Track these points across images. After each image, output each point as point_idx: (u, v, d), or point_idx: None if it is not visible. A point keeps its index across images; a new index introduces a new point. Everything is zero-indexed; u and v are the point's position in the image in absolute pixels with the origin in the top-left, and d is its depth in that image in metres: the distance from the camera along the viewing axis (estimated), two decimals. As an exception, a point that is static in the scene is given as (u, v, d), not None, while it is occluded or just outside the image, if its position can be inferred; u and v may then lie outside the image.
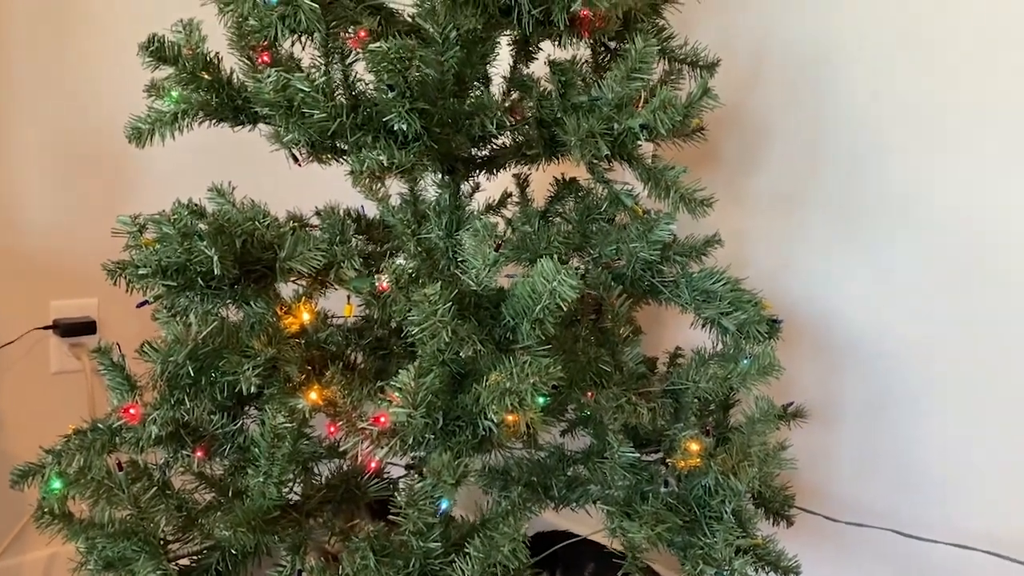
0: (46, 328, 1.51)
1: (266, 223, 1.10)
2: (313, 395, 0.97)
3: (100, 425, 1.06)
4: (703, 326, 1.14)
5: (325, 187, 1.32)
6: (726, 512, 1.01)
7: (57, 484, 0.99)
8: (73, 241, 1.57)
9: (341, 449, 1.15)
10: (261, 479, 0.96)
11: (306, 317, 1.07)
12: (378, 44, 0.87)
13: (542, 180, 1.32)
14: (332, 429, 0.99)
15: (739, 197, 1.46)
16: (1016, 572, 1.18)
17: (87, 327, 1.53)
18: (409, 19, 1.09)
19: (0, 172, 1.50)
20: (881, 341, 1.32)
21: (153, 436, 1.02)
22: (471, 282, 0.91)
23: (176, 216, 0.97)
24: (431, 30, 0.95)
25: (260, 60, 1.03)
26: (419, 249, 1.06)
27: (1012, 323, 1.16)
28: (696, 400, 1.13)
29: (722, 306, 1.10)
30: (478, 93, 1.03)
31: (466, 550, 0.89)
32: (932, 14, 1.20)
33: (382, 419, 0.84)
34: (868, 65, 1.28)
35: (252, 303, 1.04)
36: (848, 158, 1.31)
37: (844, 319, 1.36)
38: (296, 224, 1.22)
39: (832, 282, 1.36)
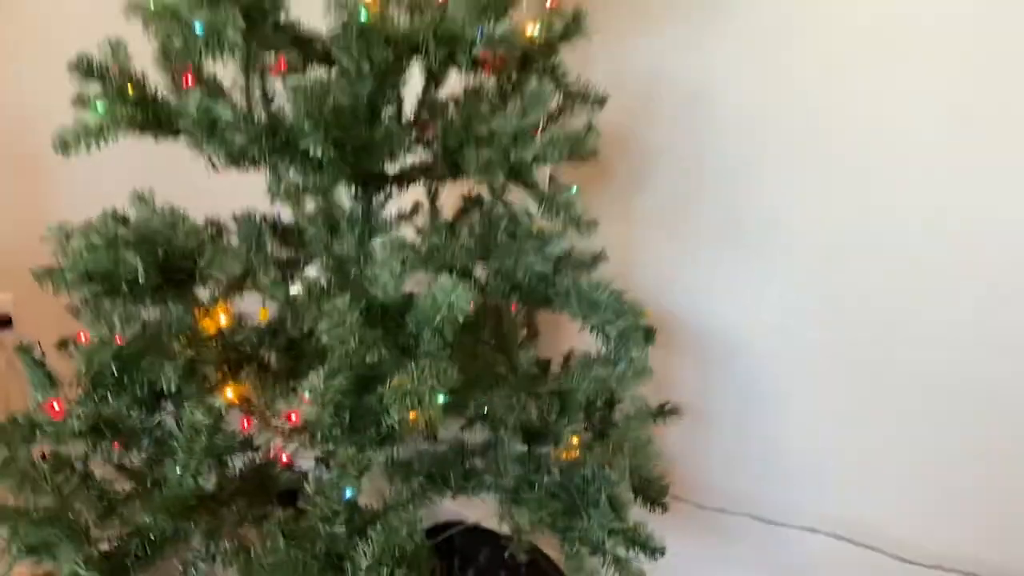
0: (-40, 323, 1.53)
1: (186, 229, 1.17)
2: (229, 393, 1.05)
3: (18, 418, 1.12)
4: (591, 331, 1.27)
5: (242, 187, 1.40)
6: (602, 499, 1.14)
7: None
8: (-10, 236, 1.59)
9: (255, 444, 1.25)
10: (179, 470, 1.04)
11: (223, 320, 1.15)
12: (296, 77, 0.96)
13: (452, 192, 1.42)
14: (246, 424, 1.08)
15: (628, 215, 1.60)
16: (854, 551, 1.36)
17: (3, 322, 1.56)
18: (324, 46, 1.18)
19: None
20: (752, 347, 1.48)
21: (75, 430, 1.08)
22: (379, 293, 1.02)
23: (102, 226, 1.03)
24: (345, 63, 1.04)
25: (184, 81, 1.10)
26: (331, 261, 1.15)
27: (863, 331, 1.33)
28: (583, 399, 1.27)
29: (606, 315, 1.23)
30: (388, 121, 1.13)
31: (368, 535, 0.99)
32: (796, 47, 1.36)
33: (293, 417, 0.94)
34: (742, 97, 1.43)
35: (172, 306, 1.12)
36: (725, 181, 1.47)
37: (721, 327, 1.52)
38: (214, 231, 1.30)
39: (711, 293, 1.52)
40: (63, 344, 1.24)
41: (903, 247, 1.27)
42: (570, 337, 1.61)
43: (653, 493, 1.35)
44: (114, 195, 1.37)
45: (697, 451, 1.57)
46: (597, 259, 1.30)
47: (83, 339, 1.13)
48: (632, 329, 1.22)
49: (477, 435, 1.35)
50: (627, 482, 1.21)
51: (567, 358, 1.42)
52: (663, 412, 1.40)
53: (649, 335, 1.23)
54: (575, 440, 1.15)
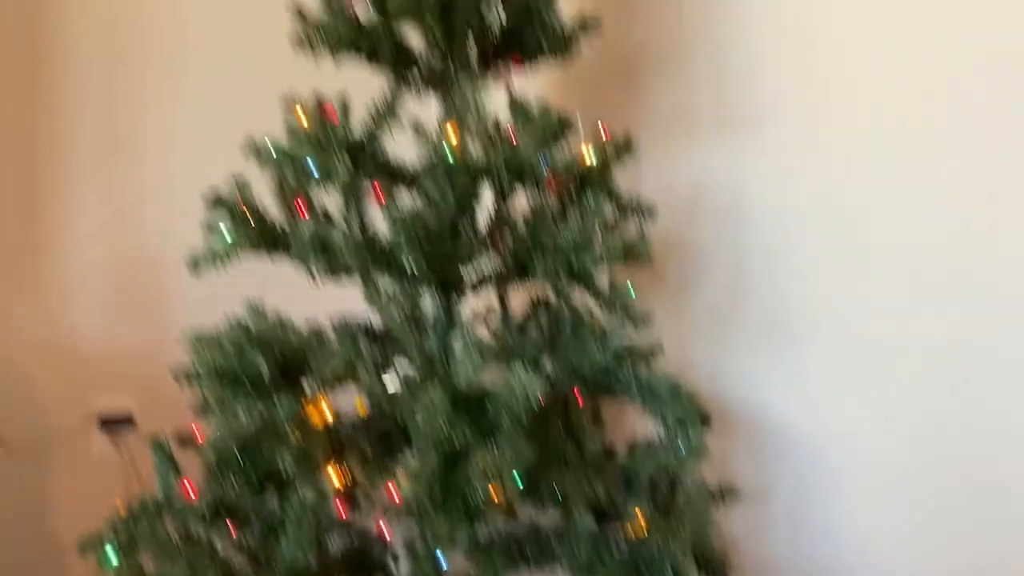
0: (91, 422, 1.74)
1: (295, 334, 1.37)
2: (335, 476, 1.21)
3: (149, 503, 1.30)
4: (651, 418, 1.39)
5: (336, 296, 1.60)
6: (667, 572, 1.24)
7: (114, 560, 1.22)
8: (118, 343, 1.82)
9: (351, 526, 1.39)
10: (290, 547, 1.19)
11: (327, 412, 1.32)
12: (396, 210, 1.15)
13: (522, 294, 1.59)
14: (343, 510, 1.24)
15: (680, 312, 1.75)
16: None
17: (126, 420, 1.76)
18: (413, 173, 1.39)
19: (62, 282, 1.77)
20: (800, 429, 1.58)
21: (200, 511, 1.25)
22: (461, 384, 1.18)
23: (231, 332, 1.23)
24: (433, 192, 1.24)
25: (298, 209, 1.32)
26: (420, 358, 1.32)
27: (901, 414, 1.42)
28: (646, 480, 1.38)
29: (664, 402, 1.36)
30: (467, 236, 1.31)
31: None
32: (823, 152, 1.51)
33: (394, 494, 1.09)
34: (779, 201, 1.58)
35: (285, 400, 1.29)
36: (767, 280, 1.61)
37: (767, 416, 1.62)
38: (318, 335, 1.49)
39: (758, 382, 1.63)
40: (183, 439, 1.42)
41: (951, 344, 1.36)
42: (634, 425, 1.73)
43: (715, 569, 1.44)
44: (219, 304, 1.59)
45: (755, 534, 1.65)
46: (654, 352, 1.44)
47: (198, 434, 1.33)
48: (688, 415, 1.35)
49: (550, 517, 1.47)
50: (690, 557, 1.31)
51: (632, 446, 1.54)
52: (721, 494, 1.49)
53: (704, 420, 1.35)
54: (641, 517, 1.26)
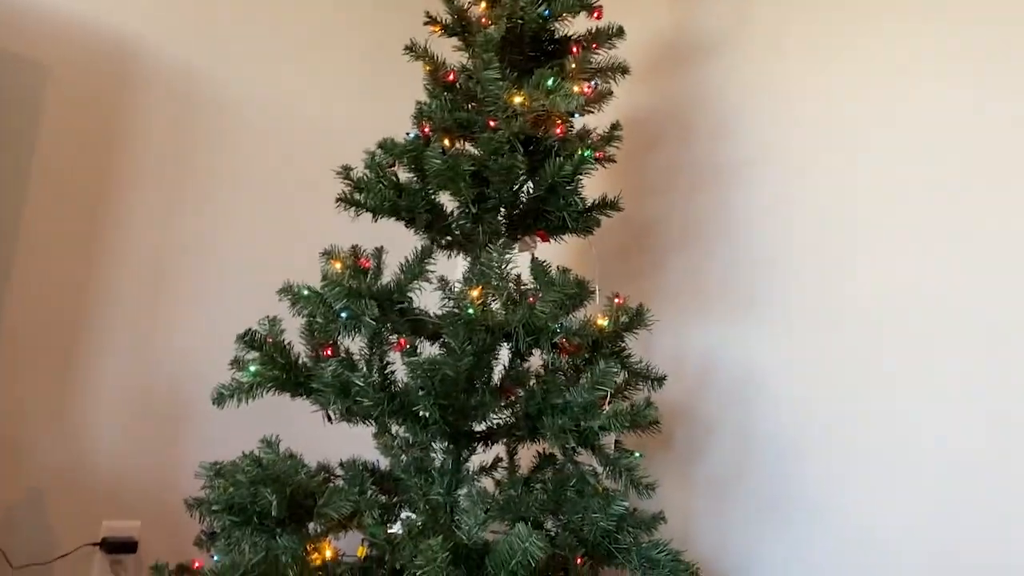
0: (95, 544, 1.75)
1: (306, 472, 1.40)
2: (328, 620, 1.21)
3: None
4: (651, 589, 1.38)
5: (345, 435, 1.64)
6: None
7: None
8: (127, 470, 1.85)
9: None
10: None
11: (328, 554, 1.33)
12: (415, 358, 1.22)
13: (529, 449, 1.62)
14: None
15: (686, 481, 1.76)
16: None
17: (129, 545, 1.77)
18: (435, 326, 1.47)
19: (82, 409, 1.83)
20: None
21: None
22: (464, 537, 1.19)
23: (246, 467, 1.27)
24: (452, 344, 1.31)
25: (324, 352, 1.39)
26: (426, 506, 1.35)
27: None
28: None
29: (663, 573, 1.35)
30: (482, 390, 1.37)
31: None
32: (826, 333, 1.57)
33: (386, 643, 1.09)
34: (787, 386, 1.63)
35: (288, 538, 1.31)
36: (771, 454, 1.63)
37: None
38: (327, 475, 1.52)
39: (759, 560, 1.62)
40: (182, 569, 1.43)
41: (959, 521, 1.36)
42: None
43: None
44: (221, 440, 1.62)
45: None
46: (656, 520, 1.44)
47: (198, 566, 1.34)
48: (688, 587, 1.34)
49: None
50: None
51: (631, 615, 1.51)
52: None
53: (704, 595, 1.34)
54: None
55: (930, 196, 1.46)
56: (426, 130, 1.49)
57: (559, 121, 1.44)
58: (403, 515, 1.29)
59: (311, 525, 1.39)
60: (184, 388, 1.97)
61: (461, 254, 1.64)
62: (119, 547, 1.76)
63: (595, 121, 1.63)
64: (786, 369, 1.64)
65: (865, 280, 1.54)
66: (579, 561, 1.45)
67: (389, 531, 1.29)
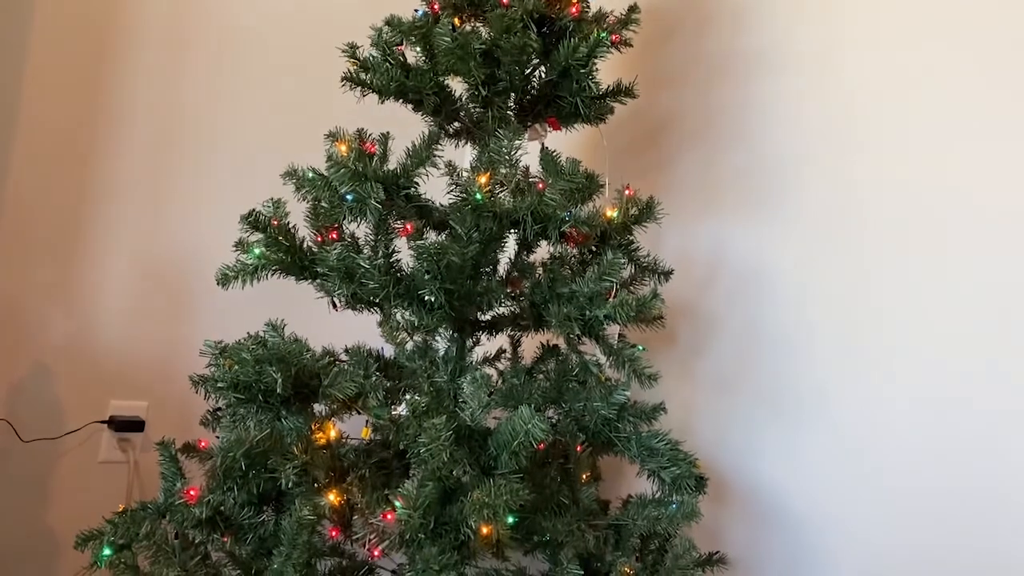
0: (102, 422, 1.78)
1: (309, 355, 1.41)
2: (333, 496, 1.24)
3: (149, 505, 1.33)
4: (647, 476, 1.41)
5: (349, 325, 1.65)
6: (649, 628, 1.25)
7: (108, 551, 1.25)
8: (135, 350, 1.87)
9: (341, 549, 1.41)
10: (283, 560, 1.21)
11: (332, 434, 1.35)
12: (421, 241, 1.20)
13: (532, 342, 1.63)
14: (335, 533, 1.26)
15: (689, 375, 1.77)
16: None
17: (136, 425, 1.80)
18: (442, 214, 1.45)
19: (90, 288, 1.83)
20: (792, 504, 1.58)
21: (199, 516, 1.28)
22: (467, 419, 1.21)
23: (251, 346, 1.27)
24: (459, 230, 1.29)
25: (329, 235, 1.37)
26: (430, 389, 1.36)
27: (900, 502, 1.43)
28: (637, 536, 1.39)
29: (662, 461, 1.38)
30: (487, 278, 1.36)
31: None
32: (838, 229, 1.55)
33: (389, 516, 1.11)
34: (795, 286, 1.62)
35: (293, 417, 1.33)
36: (778, 351, 1.63)
37: (768, 487, 1.63)
38: (332, 359, 1.53)
39: (759, 454, 1.65)
40: (188, 447, 1.46)
41: (954, 427, 1.38)
42: (630, 486, 1.75)
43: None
44: (228, 324, 1.61)
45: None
46: (657, 410, 1.46)
47: (203, 445, 1.37)
48: (685, 476, 1.37)
49: (539, 566, 1.47)
50: (674, 618, 1.31)
51: (626, 500, 1.55)
52: (711, 561, 1.50)
53: (700, 483, 1.37)
54: (627, 570, 1.27)
55: (959, 85, 1.41)
56: (435, 7, 1.43)
57: (575, 0, 1.37)
58: (407, 397, 1.30)
59: (316, 406, 1.41)
60: (191, 269, 1.96)
61: (469, 143, 1.60)
62: (127, 426, 1.79)
63: (612, 4, 1.56)
64: (795, 267, 1.63)
65: (882, 179, 1.50)
66: (579, 448, 1.47)
67: (393, 413, 1.30)
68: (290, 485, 1.21)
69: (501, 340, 1.65)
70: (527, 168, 1.44)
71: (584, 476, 1.48)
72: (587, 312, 1.30)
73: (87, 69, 1.85)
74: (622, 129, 1.99)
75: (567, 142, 1.74)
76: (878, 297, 1.48)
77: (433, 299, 1.24)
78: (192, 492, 1.23)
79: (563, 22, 1.39)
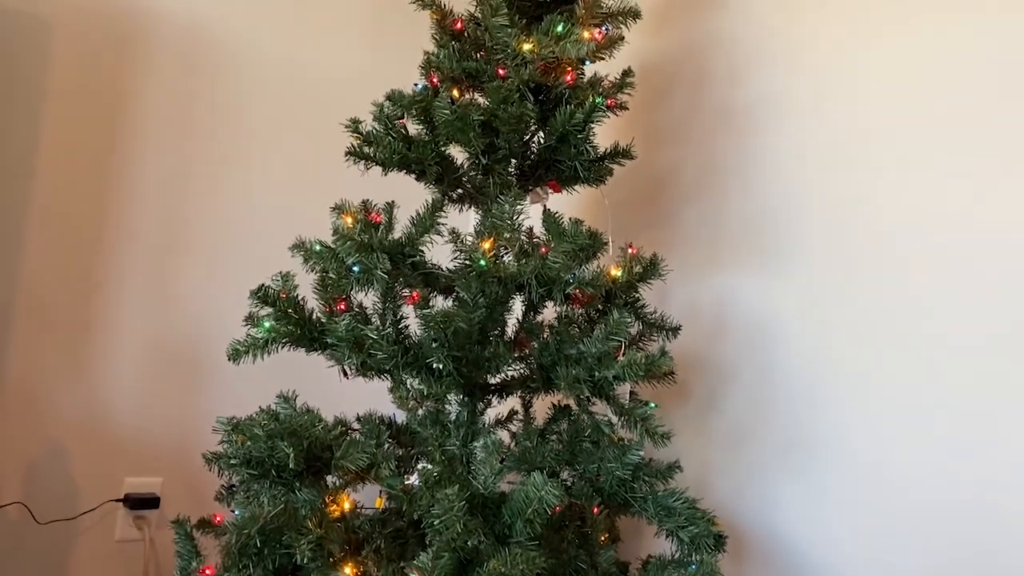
0: (118, 501, 1.78)
1: (323, 426, 1.41)
2: (348, 570, 1.23)
3: (165, 585, 1.32)
4: (665, 536, 1.39)
5: (363, 390, 1.65)
6: None
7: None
8: (149, 426, 1.88)
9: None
10: (300, 637, 1.20)
11: (346, 505, 1.35)
12: (427, 310, 1.22)
13: (544, 402, 1.63)
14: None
15: (703, 430, 1.76)
16: None
17: (151, 501, 1.80)
18: (448, 279, 1.47)
19: (102, 367, 1.85)
20: (815, 554, 1.55)
21: (215, 596, 1.26)
22: (480, 487, 1.20)
23: (263, 421, 1.28)
24: (465, 296, 1.31)
25: (337, 306, 1.39)
26: (442, 457, 1.36)
27: (922, 549, 1.40)
28: (657, 600, 1.37)
29: (679, 520, 1.36)
30: (495, 342, 1.37)
31: None
32: (846, 281, 1.56)
33: (405, 590, 1.10)
34: (805, 333, 1.62)
35: (307, 491, 1.33)
36: (791, 401, 1.62)
37: (786, 540, 1.61)
38: (344, 429, 1.53)
39: (777, 507, 1.62)
40: (203, 523, 1.45)
41: (973, 483, 1.35)
42: (651, 545, 1.72)
43: None
44: (240, 395, 1.62)
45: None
46: (672, 469, 1.45)
47: (219, 520, 1.36)
48: (703, 535, 1.35)
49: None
50: None
51: (645, 562, 1.53)
52: (736, 620, 1.47)
53: (719, 541, 1.35)
54: (650, 636, 1.25)
55: (952, 127, 1.43)
56: (434, 80, 1.47)
57: (569, 68, 1.41)
58: (420, 466, 1.30)
59: (329, 478, 1.40)
60: (201, 343, 1.98)
61: (473, 207, 1.62)
62: (142, 503, 1.79)
63: (606, 68, 1.60)
64: (803, 315, 1.63)
65: (881, 222, 1.51)
66: (595, 510, 1.46)
67: (406, 482, 1.30)
68: (306, 560, 1.20)
69: (513, 401, 1.65)
70: (531, 228, 1.46)
71: (602, 538, 1.46)
72: (596, 373, 1.30)
73: (96, 157, 1.90)
74: (623, 185, 2.02)
75: (569, 201, 1.77)
76: (885, 337, 1.48)
77: (441, 366, 1.25)
78: (208, 571, 1.23)
79: (559, 89, 1.42)
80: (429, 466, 1.20)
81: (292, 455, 1.22)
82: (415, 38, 1.84)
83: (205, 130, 2.05)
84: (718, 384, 1.77)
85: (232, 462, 1.24)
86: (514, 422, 1.71)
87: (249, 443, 1.24)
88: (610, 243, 1.52)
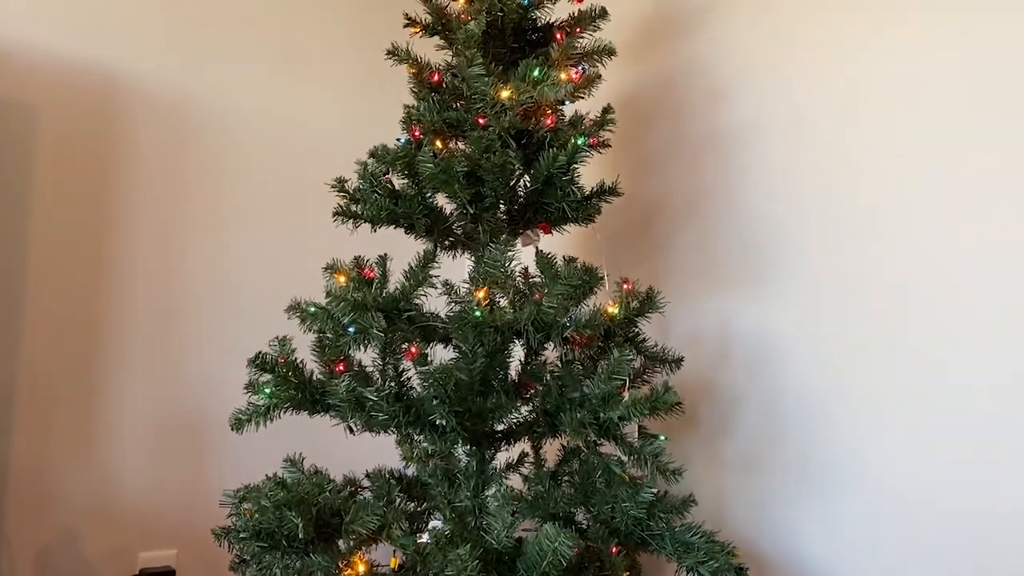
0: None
1: (330, 488, 1.40)
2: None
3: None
4: (687, 572, 1.37)
5: (371, 442, 1.64)
6: None
7: None
8: (160, 499, 1.87)
9: None
10: None
11: (361, 569, 1.33)
12: (426, 367, 1.21)
13: (554, 443, 1.61)
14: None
15: (715, 458, 1.74)
16: None
17: (167, 574, 1.78)
18: (446, 329, 1.46)
19: (109, 445, 1.84)
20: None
21: (234, 673, 1.25)
22: (493, 541, 1.19)
23: (269, 490, 1.27)
24: (463, 348, 1.30)
25: (336, 367, 1.38)
26: (452, 515, 1.34)
27: (949, 548, 1.38)
28: (684, 639, 1.34)
29: (699, 556, 1.34)
30: (497, 393, 1.36)
31: None
32: (844, 299, 1.54)
33: (424, 656, 1.08)
34: (810, 351, 1.61)
35: (319, 557, 1.31)
36: (801, 422, 1.61)
37: (807, 559, 1.58)
38: (353, 489, 1.52)
39: (795, 531, 1.60)
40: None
41: (984, 497, 1.34)
42: (671, 577, 1.69)
43: None
44: (249, 459, 1.61)
45: None
46: (687, 503, 1.43)
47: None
48: (724, 569, 1.32)
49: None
50: None
51: (669, 599, 1.50)
52: (766, 652, 1.44)
53: (740, 574, 1.33)
54: None
55: (947, 143, 1.43)
56: (416, 133, 1.47)
57: (549, 111, 1.41)
58: (431, 523, 1.28)
59: (341, 541, 1.39)
60: (206, 412, 1.98)
61: (466, 253, 1.62)
62: (157, 577, 1.77)
63: (587, 106, 1.61)
64: (806, 335, 1.61)
65: (880, 239, 1.50)
66: (614, 551, 1.44)
67: (418, 540, 1.28)
68: (322, 632, 1.18)
69: (522, 445, 1.63)
70: (527, 268, 1.45)
71: (623, 578, 1.44)
72: (601, 415, 1.29)
73: (87, 232, 1.91)
74: (615, 217, 2.01)
75: (561, 241, 1.77)
76: (889, 352, 1.47)
77: (444, 422, 1.24)
78: (224, 650, 1.21)
79: (540, 133, 1.43)
80: (440, 524, 1.19)
81: (301, 525, 1.20)
82: (397, 90, 1.86)
83: (193, 197, 2.06)
84: (727, 409, 1.75)
85: (242, 536, 1.22)
86: (525, 465, 1.70)
87: (257, 515, 1.23)
88: (605, 277, 1.51)
